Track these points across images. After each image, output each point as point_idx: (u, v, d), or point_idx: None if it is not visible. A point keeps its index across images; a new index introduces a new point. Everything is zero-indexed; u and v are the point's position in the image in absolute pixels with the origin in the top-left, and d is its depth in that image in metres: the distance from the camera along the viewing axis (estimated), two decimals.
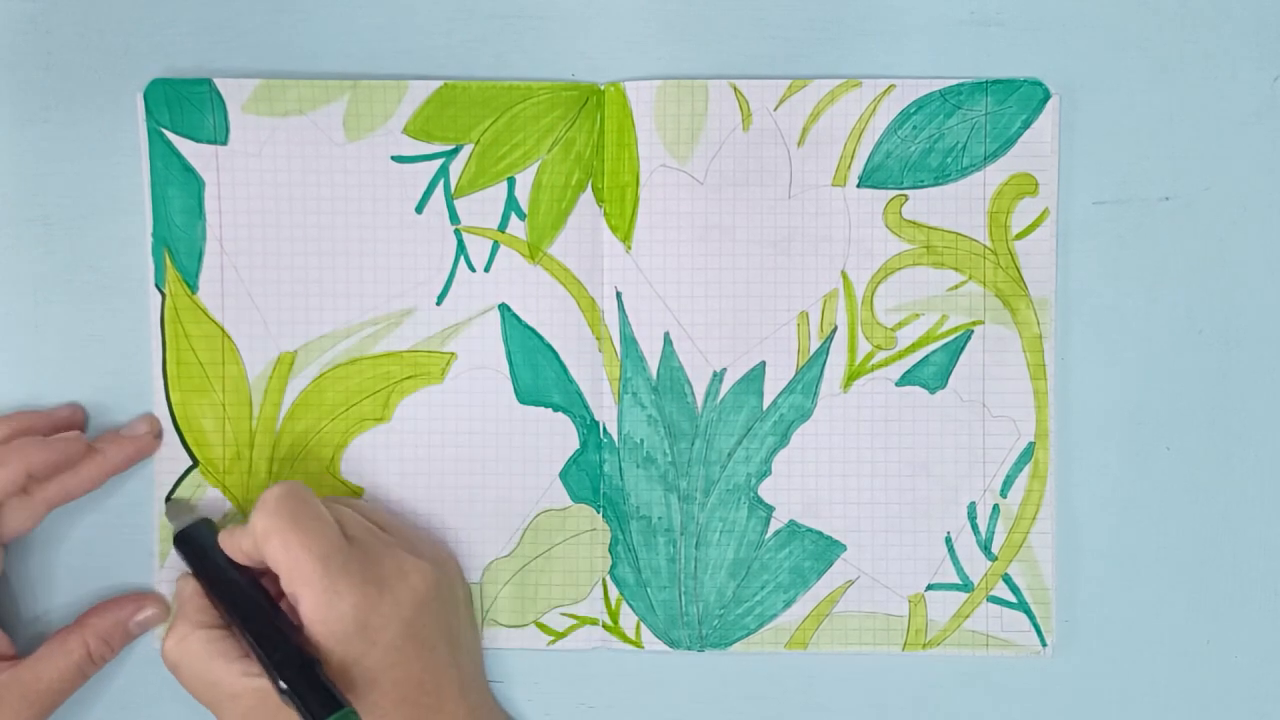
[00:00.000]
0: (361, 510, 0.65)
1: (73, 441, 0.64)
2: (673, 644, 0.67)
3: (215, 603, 0.63)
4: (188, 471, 0.67)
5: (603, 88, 0.67)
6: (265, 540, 0.61)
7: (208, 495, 0.67)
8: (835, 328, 0.67)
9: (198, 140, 0.67)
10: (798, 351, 0.67)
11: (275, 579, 0.62)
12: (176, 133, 0.67)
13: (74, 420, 0.66)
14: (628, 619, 0.67)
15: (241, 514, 0.67)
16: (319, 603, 0.60)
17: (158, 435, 0.67)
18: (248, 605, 0.62)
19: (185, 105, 0.66)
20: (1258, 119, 0.67)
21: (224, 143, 0.67)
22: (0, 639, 0.64)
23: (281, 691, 0.58)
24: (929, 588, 0.67)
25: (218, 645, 0.61)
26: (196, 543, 0.64)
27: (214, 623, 0.62)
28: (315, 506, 0.62)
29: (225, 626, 0.62)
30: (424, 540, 0.66)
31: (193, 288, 0.67)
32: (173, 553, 0.66)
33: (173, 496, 0.67)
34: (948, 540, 0.67)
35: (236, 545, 0.63)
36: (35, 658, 0.63)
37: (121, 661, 0.67)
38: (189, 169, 0.67)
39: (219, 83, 0.66)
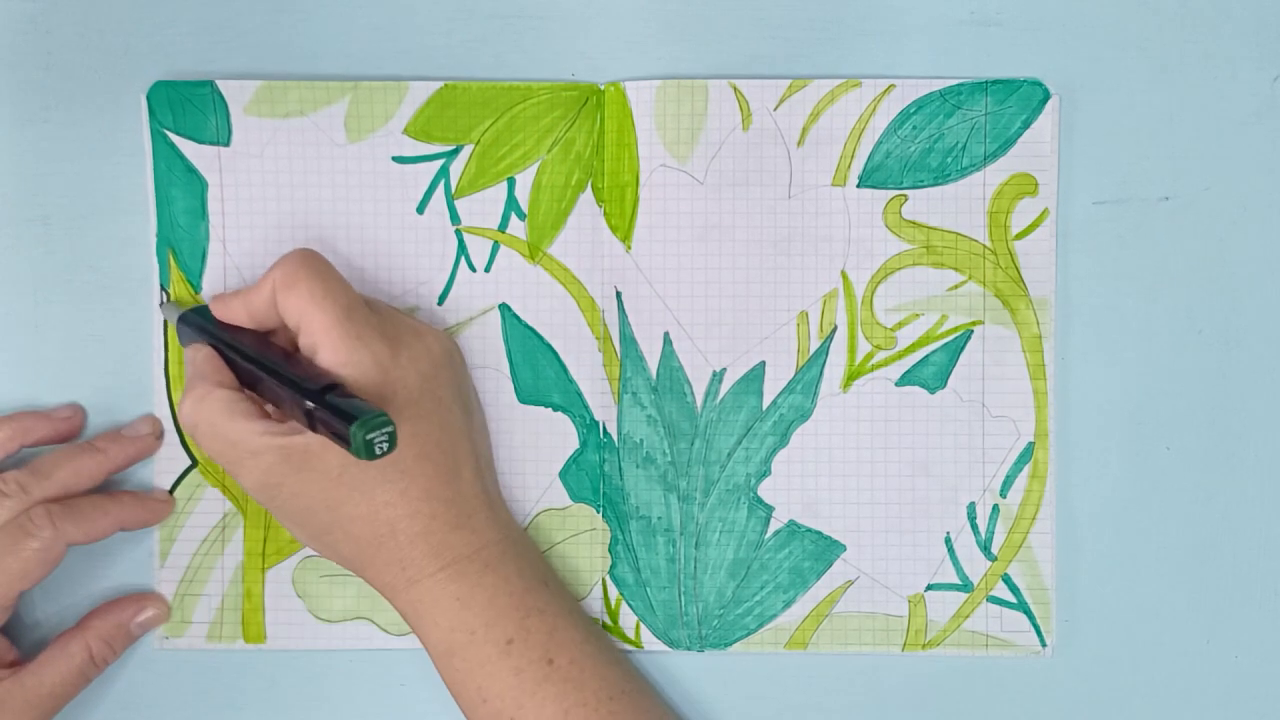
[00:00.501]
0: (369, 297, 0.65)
1: (71, 419, 0.66)
2: (672, 644, 0.67)
3: (231, 363, 0.62)
4: (187, 471, 0.67)
5: (603, 88, 0.67)
6: (288, 289, 0.60)
7: (207, 495, 0.67)
8: (835, 328, 0.67)
9: (200, 142, 0.67)
10: (797, 351, 0.67)
11: (281, 340, 0.63)
12: (179, 134, 0.67)
13: (74, 421, 0.66)
14: (627, 619, 0.67)
15: (242, 514, 0.67)
16: (340, 348, 0.60)
17: (159, 436, 0.67)
18: (264, 355, 0.61)
19: (188, 107, 0.67)
20: (1258, 119, 0.67)
21: (226, 144, 0.67)
22: (2, 644, 0.65)
23: (309, 413, 0.58)
24: (929, 588, 0.67)
25: (238, 405, 0.61)
26: (200, 320, 0.64)
27: (231, 384, 0.62)
28: (334, 269, 0.62)
29: (241, 389, 0.62)
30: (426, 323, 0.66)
31: (196, 288, 0.67)
32: (173, 552, 0.66)
33: (163, 301, 0.67)
34: (947, 540, 0.67)
35: (240, 304, 0.63)
36: (37, 662, 0.63)
37: (123, 663, 0.67)
38: (192, 170, 0.67)
39: (221, 85, 0.67)
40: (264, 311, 0.62)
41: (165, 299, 0.67)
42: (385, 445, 0.56)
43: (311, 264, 0.61)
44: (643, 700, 0.63)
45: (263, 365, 0.61)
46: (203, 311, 0.65)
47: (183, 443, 0.67)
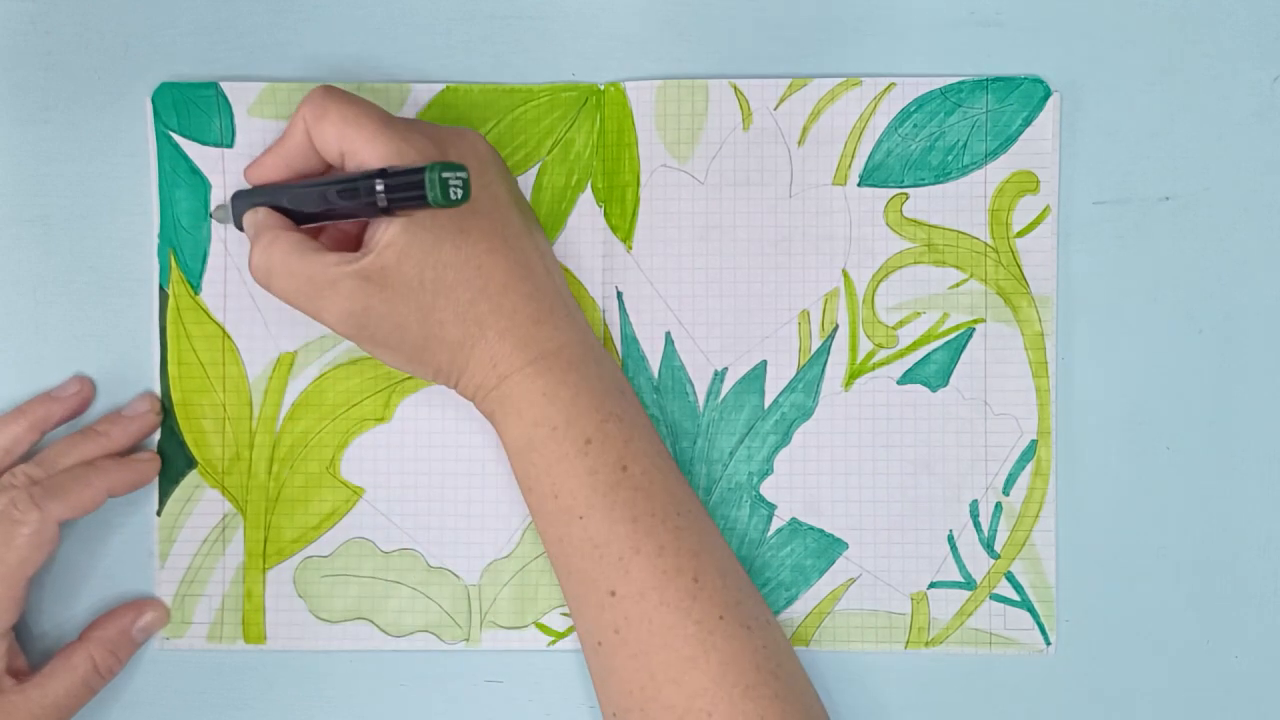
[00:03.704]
0: None
1: (81, 392, 0.66)
2: None
3: (290, 210, 0.63)
4: (187, 472, 0.67)
5: (603, 88, 0.67)
6: (320, 119, 0.60)
7: (207, 496, 0.67)
8: (836, 326, 0.67)
9: (204, 143, 0.67)
10: (799, 350, 0.67)
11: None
12: (183, 135, 0.67)
13: (84, 394, 0.66)
14: None
15: (242, 515, 0.67)
16: (388, 152, 0.59)
17: (158, 413, 0.67)
18: (317, 182, 0.61)
19: (192, 108, 0.67)
20: (1258, 119, 0.67)
21: (230, 145, 0.67)
22: (17, 656, 0.65)
23: (383, 193, 0.58)
24: (931, 586, 0.67)
25: (306, 244, 0.61)
26: (247, 198, 0.64)
27: (294, 228, 0.62)
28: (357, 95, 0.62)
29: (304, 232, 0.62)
30: None
31: (196, 288, 0.67)
32: (173, 553, 0.66)
33: (216, 206, 0.67)
34: (950, 538, 0.67)
35: (276, 159, 0.63)
36: (43, 675, 0.64)
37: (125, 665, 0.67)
38: (195, 171, 0.67)
39: (225, 86, 0.67)
40: (300, 156, 0.62)
41: (219, 207, 0.67)
42: (460, 190, 0.57)
43: (335, 92, 0.61)
44: (705, 522, 0.63)
45: (315, 191, 0.61)
46: (242, 193, 0.64)
47: (183, 443, 0.67)
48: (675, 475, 0.63)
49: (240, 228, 0.65)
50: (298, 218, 0.62)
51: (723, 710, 0.59)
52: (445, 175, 0.56)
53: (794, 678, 0.61)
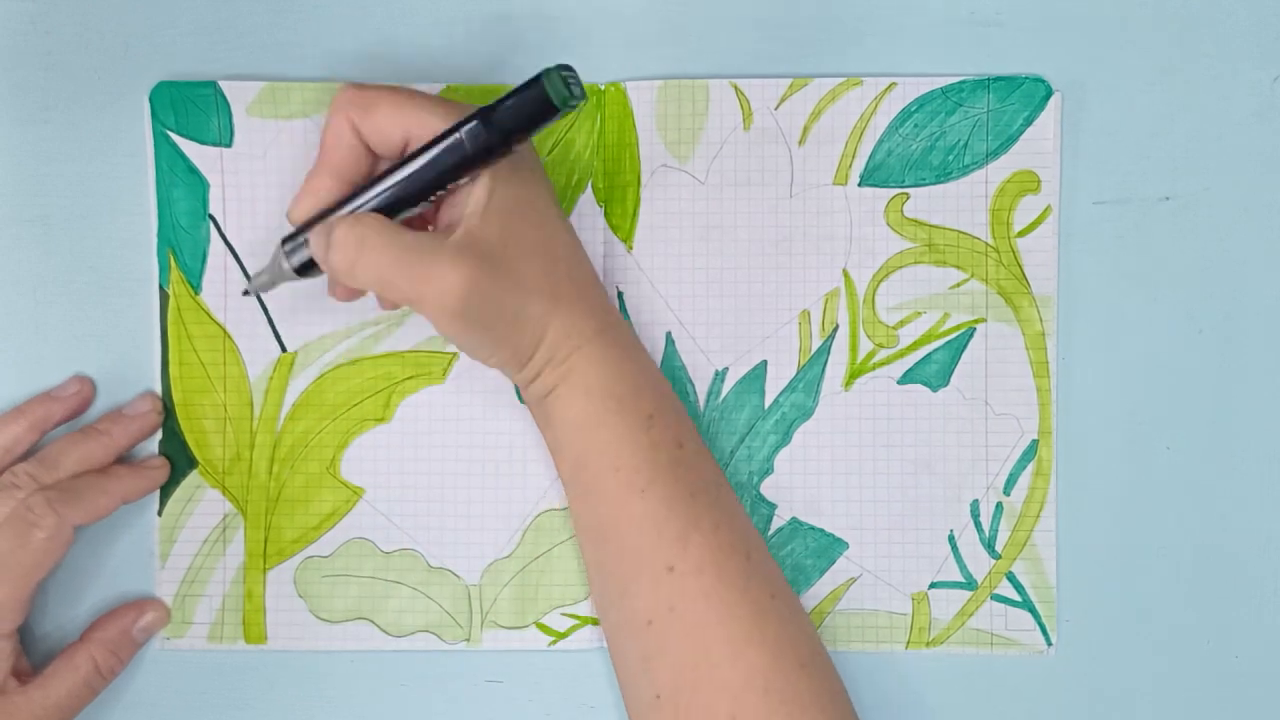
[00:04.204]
0: None
1: (81, 392, 0.66)
2: None
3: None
4: (188, 472, 0.67)
5: (603, 88, 0.67)
6: (369, 110, 0.59)
7: (207, 496, 0.67)
8: (837, 326, 0.67)
9: (203, 142, 0.67)
10: (799, 350, 0.67)
11: None
12: (182, 135, 0.67)
13: (84, 394, 0.66)
14: None
15: (242, 515, 0.67)
16: (450, 114, 0.59)
17: (159, 412, 0.67)
18: (393, 173, 0.60)
19: (190, 108, 0.67)
20: (1258, 119, 0.67)
21: (228, 145, 0.67)
22: (20, 658, 0.64)
23: (507, 109, 0.57)
24: (932, 586, 0.67)
25: (392, 225, 0.59)
26: (294, 236, 0.62)
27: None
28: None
29: None
30: None
31: (196, 288, 0.67)
32: (173, 554, 0.66)
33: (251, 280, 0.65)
34: (951, 538, 0.67)
35: (327, 168, 0.61)
36: (44, 676, 0.64)
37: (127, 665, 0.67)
38: (194, 171, 0.67)
39: (224, 85, 0.67)
40: (352, 163, 0.60)
41: (249, 283, 0.65)
42: (577, 85, 0.57)
43: (366, 84, 0.61)
44: (732, 495, 0.64)
45: (398, 184, 0.59)
46: (292, 236, 0.62)
47: (184, 443, 0.67)
48: (708, 452, 0.64)
49: (294, 274, 0.62)
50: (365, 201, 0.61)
51: (777, 686, 0.59)
52: (564, 74, 0.56)
53: (827, 659, 0.62)
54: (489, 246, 0.59)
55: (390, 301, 0.64)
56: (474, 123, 0.58)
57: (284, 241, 0.62)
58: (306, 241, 0.61)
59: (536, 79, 0.57)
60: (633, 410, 0.61)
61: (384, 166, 0.61)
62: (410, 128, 0.59)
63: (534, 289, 0.60)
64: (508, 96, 0.58)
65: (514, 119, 0.58)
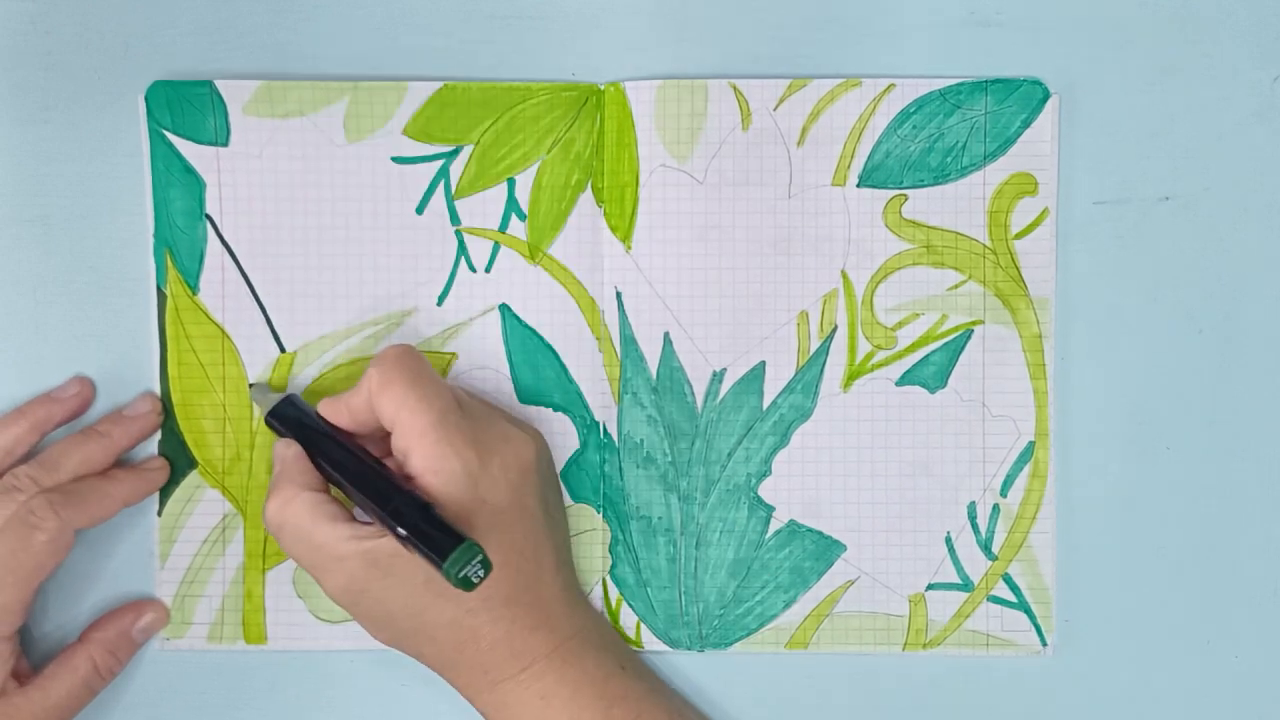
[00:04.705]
0: (460, 389, 0.65)
1: (81, 393, 0.66)
2: (673, 644, 0.67)
3: (319, 465, 0.62)
4: (187, 472, 0.67)
5: (603, 88, 0.67)
6: (382, 390, 0.60)
7: (207, 496, 0.67)
8: (835, 327, 0.67)
9: (199, 142, 0.67)
10: (798, 351, 0.67)
11: (377, 444, 0.62)
12: (178, 134, 0.67)
13: (84, 395, 0.66)
14: (628, 619, 0.67)
15: (242, 515, 0.67)
16: (431, 455, 0.60)
17: (159, 413, 0.67)
18: (354, 462, 0.61)
19: (186, 107, 0.67)
20: (1258, 119, 0.67)
21: (225, 144, 0.67)
22: (20, 659, 0.64)
23: (401, 537, 0.58)
24: (929, 587, 0.67)
25: (323, 508, 0.61)
26: (291, 414, 0.64)
27: (318, 485, 0.62)
28: (431, 369, 0.62)
29: (328, 490, 0.62)
30: (516, 419, 0.66)
31: (193, 289, 0.67)
32: (173, 554, 0.66)
33: (254, 383, 0.67)
34: (948, 540, 0.67)
35: (343, 406, 0.62)
36: (44, 677, 0.64)
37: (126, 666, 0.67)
38: (190, 170, 0.67)
39: (220, 84, 0.67)
40: (364, 413, 0.62)
41: (257, 384, 0.67)
42: (480, 573, 0.57)
43: (407, 364, 0.61)
44: None
45: (357, 473, 0.61)
46: (293, 400, 0.65)
47: (184, 443, 0.67)
48: None
49: (273, 428, 0.65)
50: (324, 467, 0.62)
51: None
52: (463, 573, 0.57)
53: None
54: (396, 568, 0.60)
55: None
56: (398, 529, 0.58)
57: (286, 401, 0.65)
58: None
59: (441, 551, 0.57)
60: None
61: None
62: (397, 431, 0.61)
63: (441, 623, 0.61)
64: (420, 540, 0.58)
65: (417, 546, 0.58)
